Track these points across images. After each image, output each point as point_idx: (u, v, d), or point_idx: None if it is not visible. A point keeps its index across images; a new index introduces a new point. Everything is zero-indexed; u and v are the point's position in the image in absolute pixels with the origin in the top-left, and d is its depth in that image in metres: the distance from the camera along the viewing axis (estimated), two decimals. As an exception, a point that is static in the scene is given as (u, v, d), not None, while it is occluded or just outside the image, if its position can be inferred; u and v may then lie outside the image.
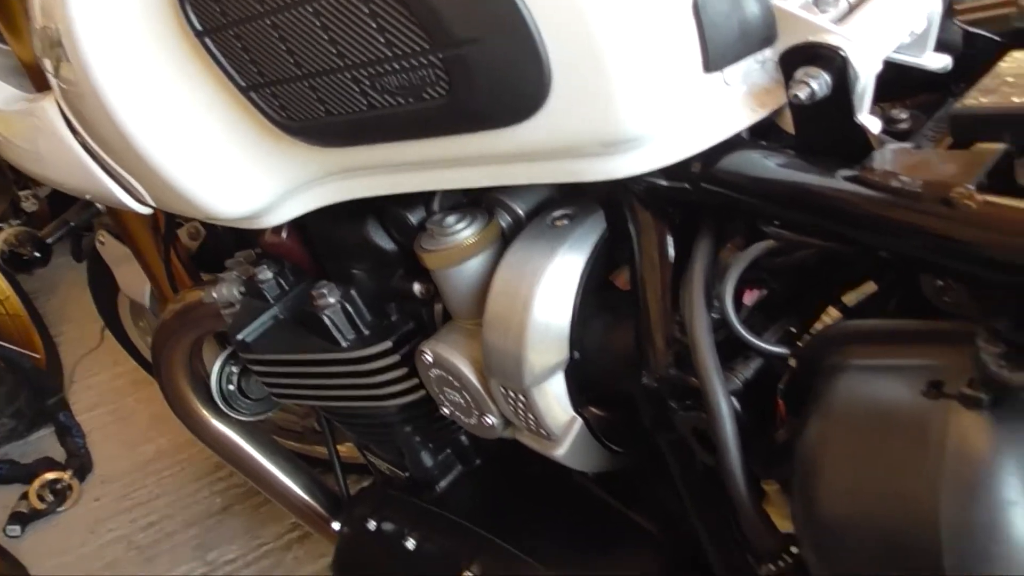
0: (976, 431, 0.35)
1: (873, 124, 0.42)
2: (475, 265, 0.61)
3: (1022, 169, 0.37)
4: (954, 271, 0.36)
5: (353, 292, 0.74)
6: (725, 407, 0.46)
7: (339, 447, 1.21)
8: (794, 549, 0.46)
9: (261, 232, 0.82)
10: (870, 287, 0.45)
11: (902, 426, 0.37)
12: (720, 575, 0.58)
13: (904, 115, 0.46)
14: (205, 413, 1.08)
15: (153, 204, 0.69)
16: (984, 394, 0.35)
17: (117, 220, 1.17)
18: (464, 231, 0.61)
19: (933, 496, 0.35)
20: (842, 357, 0.41)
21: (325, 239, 0.75)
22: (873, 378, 0.39)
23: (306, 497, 1.09)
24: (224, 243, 1.10)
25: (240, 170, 0.62)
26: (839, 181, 0.39)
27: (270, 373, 0.82)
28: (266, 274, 0.81)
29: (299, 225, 0.77)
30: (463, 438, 0.84)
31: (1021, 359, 0.34)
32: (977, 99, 0.39)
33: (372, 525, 0.87)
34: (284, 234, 0.77)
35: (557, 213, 0.58)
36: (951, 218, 0.34)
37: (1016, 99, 0.38)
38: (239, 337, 0.80)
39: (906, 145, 0.40)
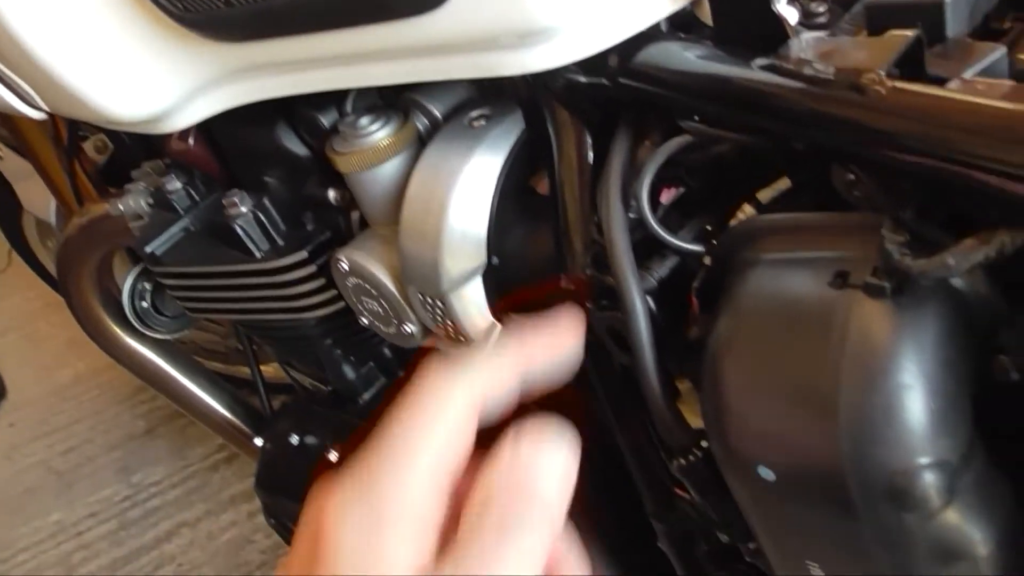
0: (878, 319, 0.35)
1: (790, 14, 0.41)
2: (390, 168, 0.59)
3: (933, 58, 0.37)
4: (864, 159, 0.36)
5: (266, 200, 0.71)
6: (640, 305, 0.46)
7: (265, 367, 1.19)
8: (704, 444, 0.47)
9: (168, 140, 0.78)
10: (784, 183, 0.44)
11: (808, 316, 0.37)
12: (636, 476, 0.59)
13: (822, 8, 0.45)
14: (119, 332, 1.04)
15: (46, 108, 0.65)
16: (887, 283, 0.35)
17: (14, 131, 1.09)
18: (378, 132, 0.58)
19: (834, 382, 0.36)
20: (753, 252, 0.41)
21: (234, 145, 0.72)
22: (782, 271, 0.40)
23: (228, 415, 1.07)
24: (132, 155, 1.04)
25: (136, 68, 0.58)
26: (753, 71, 0.39)
27: (182, 287, 0.79)
28: (175, 184, 0.77)
29: (207, 130, 0.73)
30: (386, 350, 0.83)
31: (923, 247, 0.34)
32: (891, -12, 0.38)
33: (295, 439, 0.87)
34: (191, 140, 0.73)
35: (474, 113, 0.56)
36: (861, 104, 0.34)
37: (929, -12, 0.37)
38: (148, 250, 0.76)
39: (821, 34, 0.39)
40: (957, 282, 0.36)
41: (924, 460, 0.35)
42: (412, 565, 0.29)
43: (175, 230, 0.77)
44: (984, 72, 0.36)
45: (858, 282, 0.36)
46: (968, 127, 0.31)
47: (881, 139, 0.33)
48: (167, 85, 0.59)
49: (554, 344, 0.36)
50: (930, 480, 0.35)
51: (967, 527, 0.36)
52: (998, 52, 0.36)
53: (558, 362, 0.36)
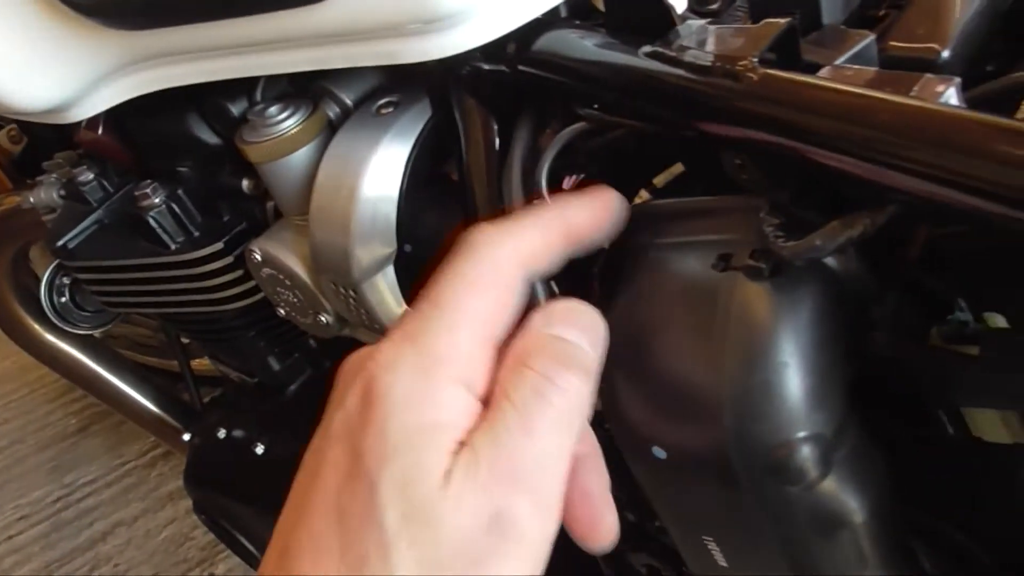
0: (757, 300, 0.36)
1: (677, 2, 0.41)
2: (301, 157, 0.59)
3: (808, 45, 0.38)
4: (744, 146, 0.37)
5: (180, 191, 0.70)
6: (541, 291, 0.46)
7: (201, 360, 1.18)
8: (607, 426, 0.48)
9: (75, 130, 0.76)
10: (678, 168, 0.45)
11: (694, 299, 0.38)
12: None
13: (714, -3, 0.46)
14: (39, 329, 1.02)
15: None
16: (765, 264, 0.36)
17: (-79, 122, 1.06)
18: (287, 121, 0.58)
19: (718, 363, 0.37)
20: (646, 236, 0.42)
21: (145, 135, 0.70)
22: (671, 255, 0.40)
23: (157, 410, 1.06)
24: (47, 146, 1.01)
25: (34, 57, 0.56)
26: (638, 58, 0.39)
27: (98, 281, 0.78)
28: (87, 175, 0.75)
29: (116, 120, 0.71)
30: (311, 341, 0.83)
31: (798, 230, 0.35)
32: (771, -24, 0.39)
33: (222, 433, 0.86)
34: (100, 130, 0.72)
35: (382, 101, 0.56)
36: (735, 90, 0.35)
37: (806, -25, 0.39)
38: (59, 243, 0.74)
39: (704, 22, 0.40)
40: (830, 261, 0.37)
41: (801, 434, 0.36)
42: (462, 412, 0.30)
43: (88, 223, 0.75)
44: (854, 59, 0.37)
45: (739, 264, 0.37)
46: (827, 113, 0.32)
47: (754, 124, 0.34)
48: (68, 74, 0.58)
49: (595, 208, 0.37)
50: (806, 453, 0.36)
51: (843, 497, 0.38)
52: (867, 39, 0.37)
53: (600, 226, 0.37)
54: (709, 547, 0.43)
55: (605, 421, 0.47)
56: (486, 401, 0.31)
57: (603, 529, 0.35)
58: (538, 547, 0.29)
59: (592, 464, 0.37)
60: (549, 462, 0.30)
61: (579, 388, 0.31)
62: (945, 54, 0.36)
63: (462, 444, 0.29)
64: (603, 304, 0.45)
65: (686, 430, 0.38)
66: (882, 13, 0.42)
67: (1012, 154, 0.28)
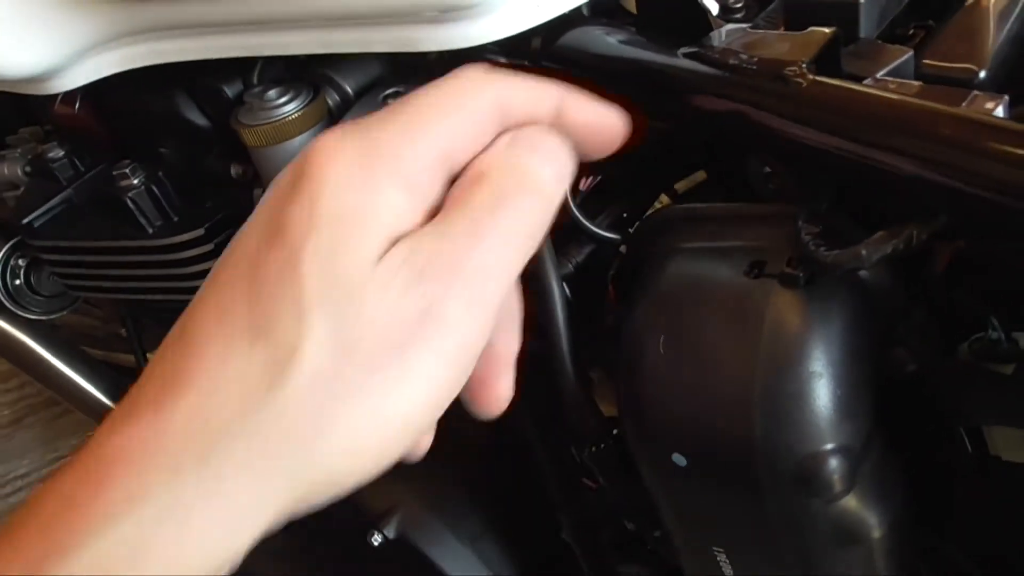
0: (792, 308, 0.36)
1: (712, 5, 0.41)
2: (298, 145, 0.57)
3: (848, 56, 0.38)
4: (782, 151, 0.37)
5: (161, 174, 0.66)
6: (556, 290, 0.45)
7: (151, 355, 1.13)
8: (616, 431, 0.47)
9: (50, 104, 0.72)
10: (700, 175, 0.45)
11: (724, 305, 0.38)
12: (543, 466, 0.59)
13: (740, 3, 0.46)
14: (-12, 312, 0.96)
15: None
16: (801, 273, 0.36)
17: None
18: (288, 105, 0.56)
19: (749, 370, 0.36)
20: (669, 241, 0.42)
21: (127, 112, 0.67)
22: (698, 260, 0.40)
23: (111, 404, 1.01)
24: (6, 121, 0.96)
25: (16, 21, 0.53)
26: (678, 58, 0.39)
27: (65, 262, 0.74)
28: (57, 152, 0.72)
29: (95, 95, 0.68)
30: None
31: (836, 239, 0.35)
32: (809, -13, 0.39)
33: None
34: (77, 105, 0.68)
35: (390, 91, 0.55)
36: (784, 95, 0.34)
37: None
38: (25, 221, 0.70)
39: (744, 26, 0.40)
40: (863, 274, 0.37)
41: (830, 445, 0.36)
42: (399, 216, 0.27)
43: (56, 202, 0.71)
44: (893, 72, 0.37)
45: (773, 272, 0.37)
46: (884, 122, 0.32)
47: (801, 130, 0.34)
48: (53, 42, 0.55)
49: (600, 113, 0.32)
50: (834, 465, 0.36)
51: (864, 512, 0.38)
52: (907, 54, 0.37)
53: (593, 131, 0.32)
54: (718, 558, 0.43)
55: (616, 427, 0.46)
56: (429, 218, 0.28)
57: (494, 393, 0.33)
58: (462, 351, 0.27)
59: (507, 322, 0.34)
60: (492, 271, 0.28)
61: (535, 213, 0.29)
62: (982, 75, 0.37)
63: (398, 241, 0.27)
64: (622, 306, 0.44)
65: (712, 437, 0.38)
66: (911, 31, 0.42)
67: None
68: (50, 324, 1.01)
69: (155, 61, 0.56)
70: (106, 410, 1.01)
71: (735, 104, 0.36)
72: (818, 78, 0.34)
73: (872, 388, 0.37)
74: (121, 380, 1.05)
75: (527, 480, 0.61)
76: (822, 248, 0.35)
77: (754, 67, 0.36)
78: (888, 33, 0.43)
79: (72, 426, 1.55)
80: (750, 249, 0.38)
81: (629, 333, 0.42)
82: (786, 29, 0.40)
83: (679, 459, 0.39)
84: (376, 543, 0.66)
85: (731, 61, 0.36)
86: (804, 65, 0.34)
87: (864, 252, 0.33)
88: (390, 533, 0.66)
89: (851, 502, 0.37)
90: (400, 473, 0.70)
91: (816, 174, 0.36)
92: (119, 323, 1.22)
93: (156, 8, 0.51)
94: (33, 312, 0.94)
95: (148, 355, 1.01)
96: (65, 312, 0.96)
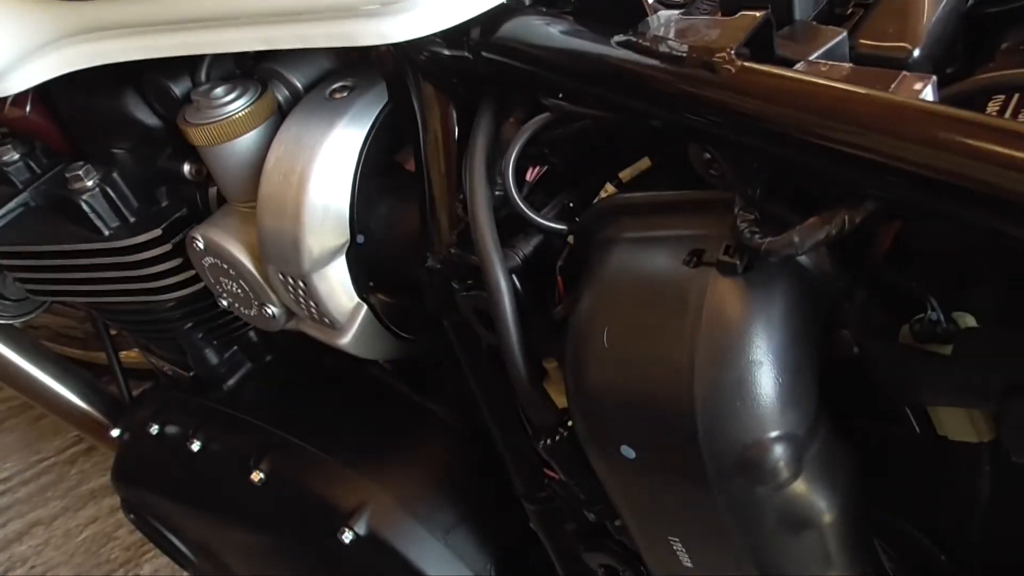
0: (730, 297, 0.36)
1: (648, -8, 0.41)
2: (248, 142, 0.56)
3: (781, 40, 0.37)
4: (716, 139, 0.36)
5: (115, 174, 0.66)
6: (504, 284, 0.45)
7: (129, 353, 1.12)
8: (570, 423, 0.47)
9: (2, 106, 0.71)
10: (645, 163, 0.45)
11: (664, 295, 0.38)
12: (505, 457, 0.59)
13: (681, -12, 0.45)
14: (-46, 318, 0.95)
15: None
16: (738, 260, 0.36)
17: None
18: (234, 103, 0.55)
19: (690, 358, 0.36)
20: (614, 231, 0.41)
21: (78, 113, 0.66)
22: (641, 249, 0.40)
23: (83, 404, 1.00)
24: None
25: (-43, 24, 0.52)
26: (610, 48, 0.38)
27: (23, 267, 0.73)
28: (12, 155, 0.71)
29: (46, 97, 0.67)
30: (251, 334, 0.80)
31: (771, 226, 0.35)
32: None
33: (154, 429, 0.82)
34: (27, 107, 0.67)
35: (336, 85, 0.54)
36: (712, 82, 0.34)
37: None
38: (-21, 227, 0.70)
39: (675, 12, 0.39)
40: (802, 259, 0.37)
41: (774, 433, 0.36)
42: None
43: (13, 206, 0.70)
44: (826, 55, 0.37)
45: (711, 260, 0.37)
46: (811, 107, 0.31)
47: (730, 117, 0.34)
48: (-4, 45, 0.54)
49: None
50: (779, 452, 0.36)
51: (813, 497, 0.38)
52: (840, 36, 0.37)
53: None
54: (675, 547, 0.43)
55: (567, 420, 0.46)
56: None
57: None
58: None
59: None
60: None
61: None
62: (916, 54, 0.37)
63: None
64: (569, 299, 0.44)
65: (657, 429, 0.38)
66: (849, 11, 0.42)
67: (993, 151, 0.28)
68: (21, 327, 1.00)
69: (99, 62, 0.55)
70: (77, 412, 1.00)
71: (666, 94, 0.36)
72: (746, 64, 0.34)
73: (815, 372, 0.37)
74: (96, 381, 1.05)
75: (498, 472, 0.61)
76: (757, 235, 0.34)
77: (684, 55, 0.35)
78: (828, 13, 0.42)
79: (54, 428, 1.54)
80: (689, 238, 0.38)
81: (574, 324, 0.42)
82: (722, 14, 0.40)
83: (627, 451, 0.39)
84: (347, 541, 0.66)
85: (661, 49, 0.36)
86: (732, 52, 0.34)
87: (796, 239, 0.33)
88: (360, 530, 0.66)
89: (800, 488, 0.37)
90: (370, 469, 0.70)
91: (749, 161, 0.36)
92: (91, 322, 1.21)
93: (95, 8, 0.51)
94: (1, 317, 0.93)
95: (120, 353, 1.00)
96: (34, 315, 0.95)
